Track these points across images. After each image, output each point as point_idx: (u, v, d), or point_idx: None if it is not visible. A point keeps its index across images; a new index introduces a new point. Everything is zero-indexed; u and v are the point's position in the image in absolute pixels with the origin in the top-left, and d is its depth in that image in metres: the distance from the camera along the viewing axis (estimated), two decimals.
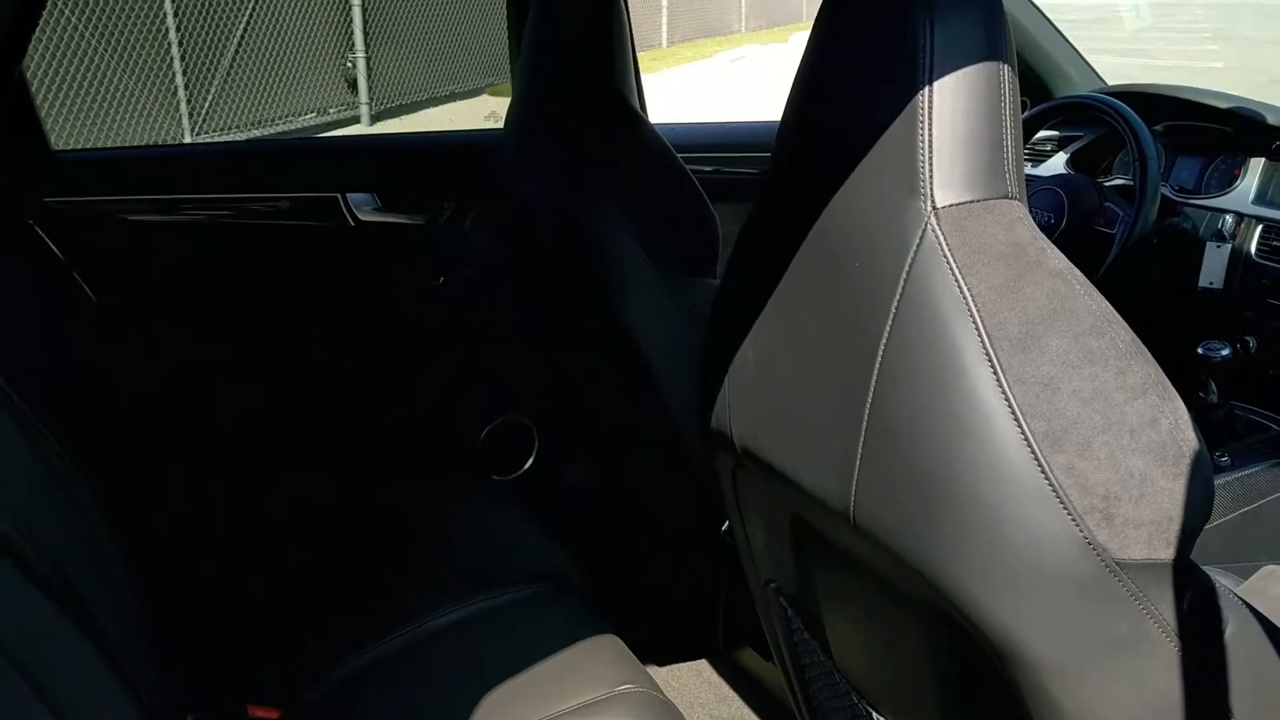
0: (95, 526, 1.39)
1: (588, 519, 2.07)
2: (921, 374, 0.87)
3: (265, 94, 8.77)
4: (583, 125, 1.63)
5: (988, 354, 0.84)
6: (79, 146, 7.26)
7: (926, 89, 0.87)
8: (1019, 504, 0.83)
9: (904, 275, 0.88)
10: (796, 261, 1.02)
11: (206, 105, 8.38)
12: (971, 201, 0.88)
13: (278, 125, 8.90)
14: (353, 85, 9.75)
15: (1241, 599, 0.91)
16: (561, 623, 1.52)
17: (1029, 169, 2.46)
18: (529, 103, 1.78)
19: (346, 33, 9.58)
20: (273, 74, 8.79)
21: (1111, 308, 0.87)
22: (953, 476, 0.86)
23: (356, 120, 9.74)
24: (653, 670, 1.55)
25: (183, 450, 1.98)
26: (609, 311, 1.60)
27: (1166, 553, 0.84)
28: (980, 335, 0.84)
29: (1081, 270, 2.09)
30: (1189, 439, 0.84)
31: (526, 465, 2.25)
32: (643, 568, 1.92)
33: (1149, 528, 0.83)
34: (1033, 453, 0.82)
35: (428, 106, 10.17)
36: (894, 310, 0.89)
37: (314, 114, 9.37)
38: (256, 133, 8.68)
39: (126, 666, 1.18)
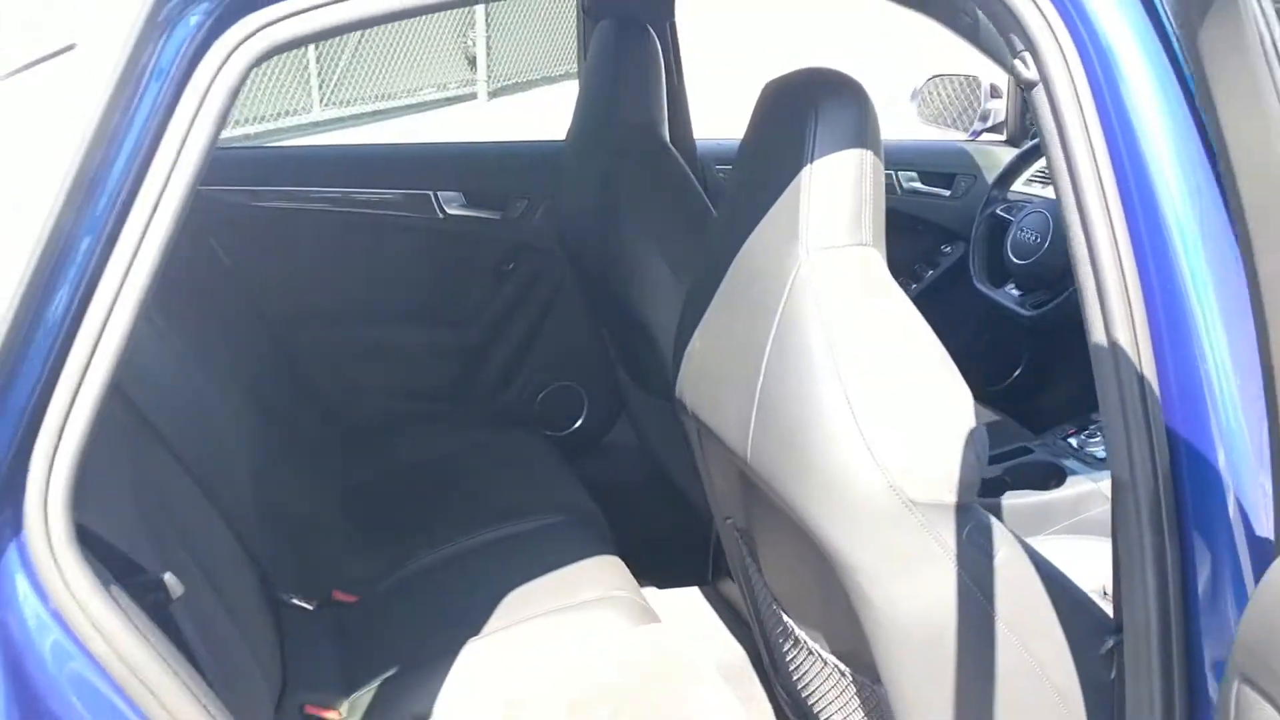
0: (225, 432, 1.86)
1: (616, 470, 2.49)
2: (790, 366, 1.26)
3: (389, 69, 9.28)
4: (618, 153, 2.03)
5: (832, 355, 1.21)
6: None
7: (810, 165, 1.25)
8: (845, 459, 1.21)
9: (784, 296, 1.27)
10: (728, 277, 1.41)
11: (335, 78, 8.95)
12: (835, 247, 1.25)
13: (400, 99, 9.43)
14: (472, 63, 10.23)
15: (1017, 536, 1.27)
16: (576, 545, 1.94)
17: (1039, 189, 2.77)
18: (580, 128, 2.19)
19: (469, 11, 10.02)
20: (397, 50, 9.28)
21: (927, 327, 1.24)
22: (805, 438, 1.24)
23: (473, 97, 10.23)
24: (649, 592, 1.95)
25: (293, 382, 2.46)
26: (632, 308, 1.99)
27: (950, 498, 1.21)
28: (828, 341, 1.22)
29: (1067, 285, 2.43)
30: (969, 421, 1.21)
31: (576, 425, 2.67)
32: (651, 510, 2.33)
33: (934, 479, 1.20)
34: (856, 425, 1.20)
35: (543, 85, 10.61)
36: (777, 320, 1.27)
37: (434, 89, 9.88)
38: (380, 105, 9.23)
39: (247, 540, 1.64)
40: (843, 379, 1.21)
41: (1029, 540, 1.39)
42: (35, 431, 0.83)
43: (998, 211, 2.67)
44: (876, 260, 1.27)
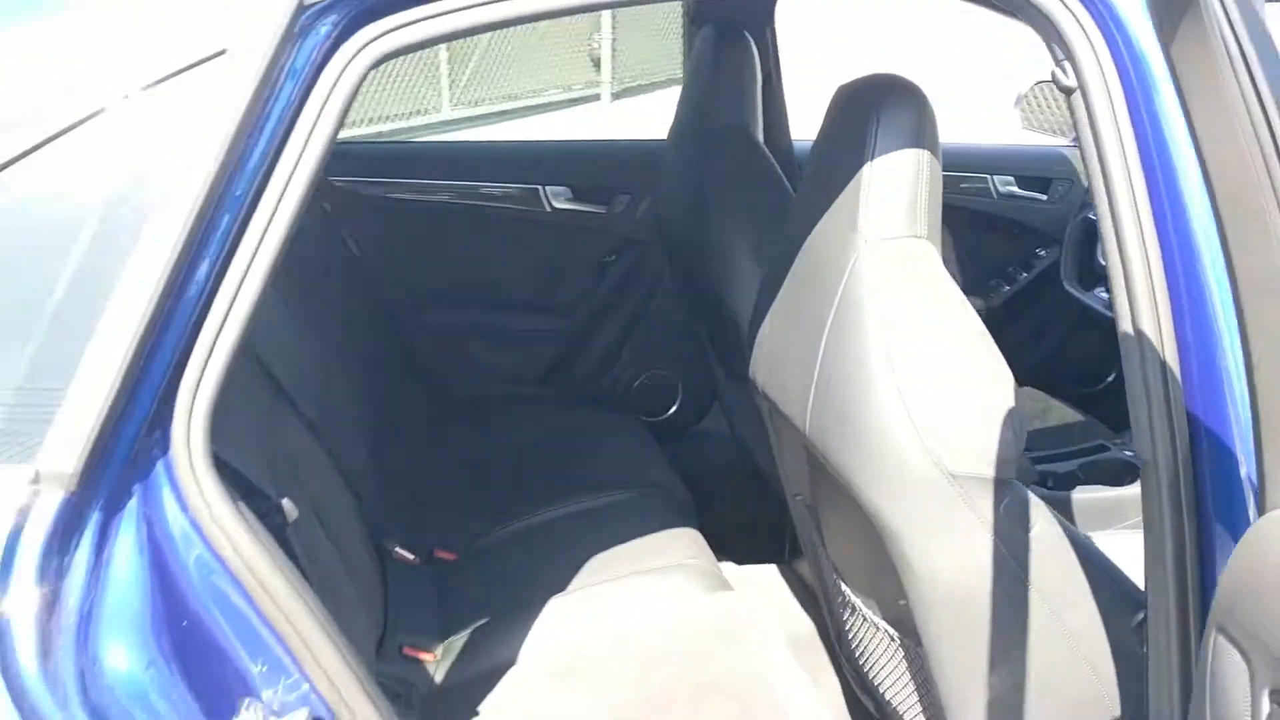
0: (345, 401, 2.05)
1: (705, 455, 2.62)
2: (846, 345, 1.37)
3: (516, 71, 9.45)
4: (711, 152, 2.16)
5: (884, 336, 1.32)
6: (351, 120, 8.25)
7: (870, 161, 1.36)
8: (893, 433, 1.32)
9: (844, 281, 1.38)
10: (795, 265, 1.53)
11: (464, 80, 9.24)
12: (891, 238, 1.36)
13: (526, 100, 9.66)
14: (597, 65, 10.43)
15: (1054, 514, 1.36)
16: (659, 518, 2.07)
17: None
18: (679, 128, 2.32)
19: (594, 15, 10.19)
20: (524, 52, 9.45)
21: (973, 313, 1.34)
22: (856, 413, 1.35)
23: (597, 98, 10.43)
24: (727, 567, 2.08)
25: (409, 360, 2.66)
26: (721, 300, 2.12)
27: (988, 472, 1.30)
28: (881, 323, 1.33)
29: None
30: (1008, 403, 1.30)
31: (670, 411, 2.81)
32: (736, 494, 2.45)
33: (973, 454, 1.30)
34: (903, 402, 1.30)
35: (666, 87, 10.70)
36: (836, 303, 1.39)
37: (559, 90, 10.10)
38: (507, 106, 9.48)
39: (361, 496, 1.81)
40: (892, 359, 1.31)
41: (1099, 534, 1.47)
42: (181, 371, 1.00)
43: (1090, 215, 2.71)
44: (930, 251, 1.37)
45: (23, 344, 1.04)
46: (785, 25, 2.63)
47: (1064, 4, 1.16)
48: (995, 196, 2.92)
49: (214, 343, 0.99)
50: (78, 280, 1.04)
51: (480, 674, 1.76)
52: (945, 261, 1.38)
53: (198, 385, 0.99)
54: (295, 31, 1.07)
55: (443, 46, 8.78)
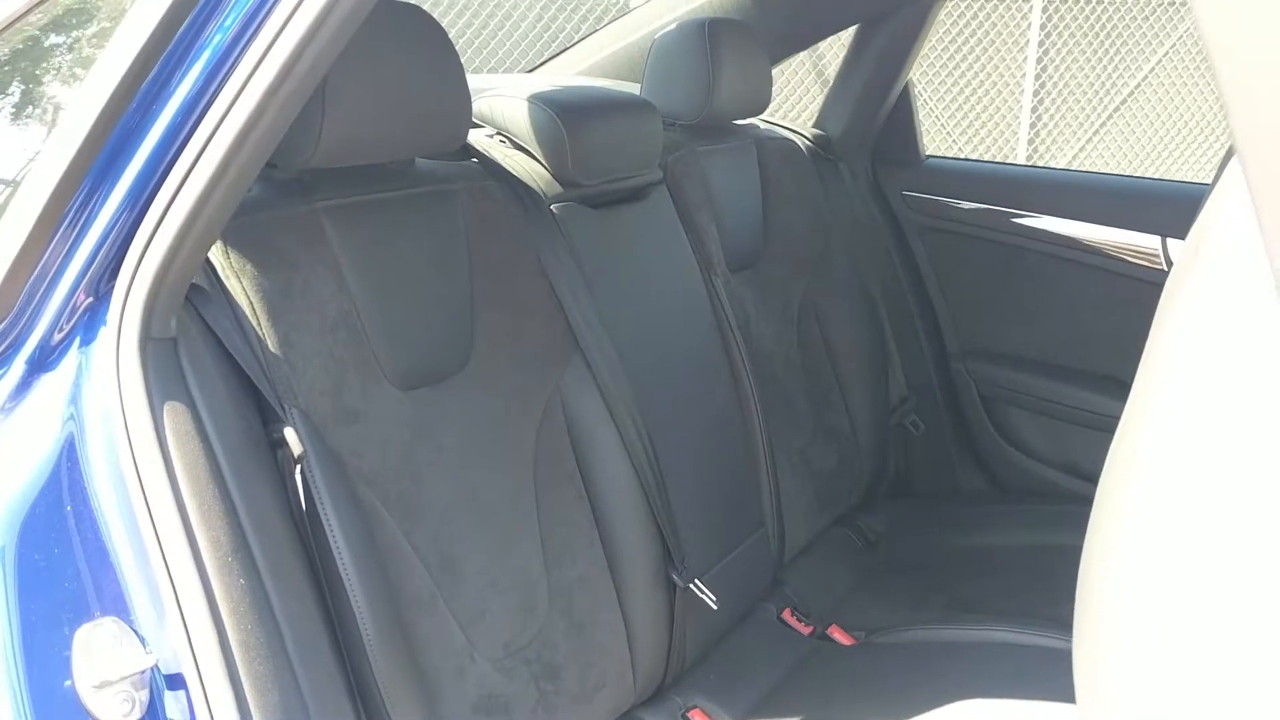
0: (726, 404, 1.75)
1: None
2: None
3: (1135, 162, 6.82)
4: None
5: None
6: None
7: None
8: None
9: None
10: None
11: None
12: None
13: None
14: None
15: None
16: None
17: None
18: None
19: None
20: (1153, 139, 6.75)
21: None
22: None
23: None
24: None
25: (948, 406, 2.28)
26: None
27: None
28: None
29: None
30: None
31: None
32: None
33: None
34: None
35: None
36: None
37: None
38: None
39: (661, 519, 1.53)
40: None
41: None
42: (129, 243, 0.88)
43: None
44: None
45: None
46: None
47: None
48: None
49: (160, 219, 0.86)
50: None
51: None
52: None
53: (139, 262, 0.87)
54: None
55: (1023, 130, 6.36)
